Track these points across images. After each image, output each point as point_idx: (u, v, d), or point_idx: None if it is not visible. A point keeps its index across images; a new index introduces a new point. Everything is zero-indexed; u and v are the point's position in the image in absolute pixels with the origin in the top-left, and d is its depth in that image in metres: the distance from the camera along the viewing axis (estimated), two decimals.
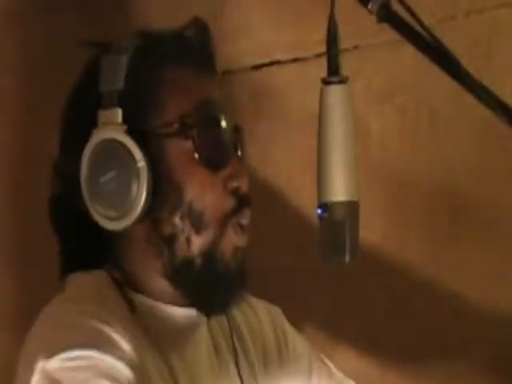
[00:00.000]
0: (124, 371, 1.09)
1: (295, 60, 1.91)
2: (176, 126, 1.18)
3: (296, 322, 1.46)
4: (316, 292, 1.85)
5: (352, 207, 1.10)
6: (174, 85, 1.20)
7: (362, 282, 1.83)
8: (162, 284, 1.20)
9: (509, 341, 1.79)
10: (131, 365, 1.10)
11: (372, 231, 1.81)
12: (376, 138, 1.87)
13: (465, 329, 1.82)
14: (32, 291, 1.73)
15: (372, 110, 1.85)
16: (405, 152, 1.86)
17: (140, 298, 1.20)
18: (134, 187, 1.15)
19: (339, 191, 1.10)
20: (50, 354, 1.08)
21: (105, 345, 1.10)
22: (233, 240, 1.20)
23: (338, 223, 1.10)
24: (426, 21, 1.05)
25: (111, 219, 1.16)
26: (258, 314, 1.38)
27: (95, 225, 1.18)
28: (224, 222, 1.19)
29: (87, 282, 1.21)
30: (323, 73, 1.12)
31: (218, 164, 1.20)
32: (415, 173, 1.86)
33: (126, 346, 1.12)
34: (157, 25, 1.30)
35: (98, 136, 1.17)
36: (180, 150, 1.19)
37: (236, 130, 1.24)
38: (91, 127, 1.17)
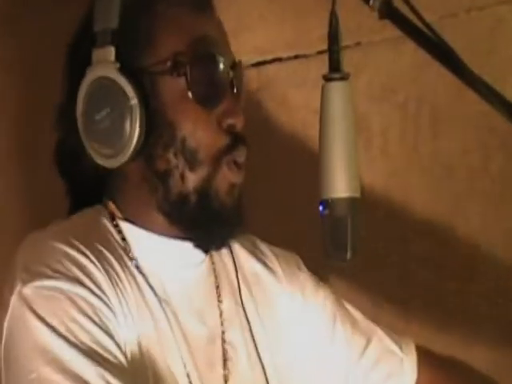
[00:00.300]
0: (95, 303, 1.11)
1: (297, 57, 1.91)
2: (169, 63, 1.19)
3: None
4: None
5: (353, 203, 1.10)
6: (168, 22, 1.20)
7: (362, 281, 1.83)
8: (158, 218, 1.21)
9: None
10: (102, 298, 1.12)
11: (374, 227, 1.81)
12: (377, 135, 1.87)
13: None
14: None
15: (373, 107, 1.86)
16: (406, 148, 1.86)
17: (133, 229, 1.21)
18: (127, 125, 1.16)
19: (340, 187, 1.10)
20: (27, 280, 1.11)
21: (80, 276, 1.12)
22: (227, 177, 1.20)
23: (339, 219, 1.10)
24: (428, 17, 1.05)
25: (107, 157, 1.17)
26: (269, 262, 1.37)
27: (93, 163, 1.19)
28: (218, 158, 1.19)
29: (81, 214, 1.23)
30: (325, 69, 1.12)
31: (211, 101, 1.20)
32: (416, 169, 1.86)
33: (101, 278, 1.13)
34: None
35: (91, 74, 1.18)
36: (173, 87, 1.19)
37: (233, 67, 1.23)
38: (86, 66, 1.18)
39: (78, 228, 1.19)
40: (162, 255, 1.22)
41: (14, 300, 1.11)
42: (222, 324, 1.27)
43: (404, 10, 1.06)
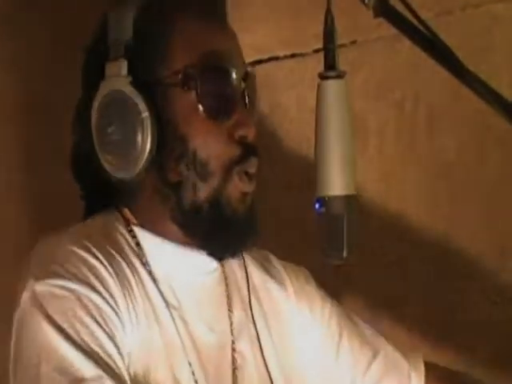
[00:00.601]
0: (104, 309, 1.12)
1: (293, 55, 1.91)
2: (180, 76, 1.19)
3: None
4: None
5: (350, 201, 1.11)
6: (181, 35, 1.21)
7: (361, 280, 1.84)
8: (171, 227, 1.22)
9: None
10: (111, 305, 1.13)
11: (370, 225, 1.82)
12: (373, 133, 1.87)
13: None
14: None
15: (369, 105, 1.86)
16: (402, 146, 1.86)
17: (147, 236, 1.22)
18: (139, 137, 1.17)
19: (337, 185, 1.10)
20: (40, 277, 1.12)
21: (92, 281, 1.13)
22: (239, 186, 1.20)
23: (335, 217, 1.10)
24: (423, 15, 1.06)
25: (119, 168, 1.19)
26: (280, 276, 1.38)
27: (107, 173, 1.21)
28: (229, 169, 1.20)
29: (96, 218, 1.25)
30: (321, 68, 1.12)
31: (221, 115, 1.20)
32: (412, 167, 1.86)
33: (112, 283, 1.14)
34: None
35: (104, 88, 1.19)
36: (184, 100, 1.20)
37: (245, 77, 1.24)
38: (100, 78, 1.20)
39: (93, 232, 1.20)
40: (175, 262, 1.23)
41: (25, 296, 1.13)
42: (231, 333, 1.27)
43: (399, 7, 1.07)
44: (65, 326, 1.09)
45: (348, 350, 1.37)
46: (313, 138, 1.12)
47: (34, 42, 1.82)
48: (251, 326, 1.29)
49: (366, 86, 1.85)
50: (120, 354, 1.12)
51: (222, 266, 1.29)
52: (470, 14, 1.80)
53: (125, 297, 1.15)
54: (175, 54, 1.20)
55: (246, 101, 1.23)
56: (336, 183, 1.10)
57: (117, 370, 1.10)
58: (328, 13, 1.11)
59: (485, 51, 1.78)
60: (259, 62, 1.92)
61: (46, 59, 1.82)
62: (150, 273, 1.21)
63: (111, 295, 1.13)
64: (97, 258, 1.15)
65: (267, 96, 1.92)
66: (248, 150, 1.21)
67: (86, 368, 1.07)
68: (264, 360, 1.28)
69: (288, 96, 1.91)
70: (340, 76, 1.11)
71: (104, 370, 1.08)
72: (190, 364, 1.20)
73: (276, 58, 1.90)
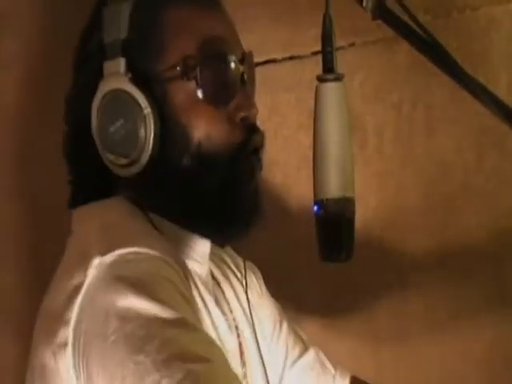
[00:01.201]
0: (179, 281, 1.09)
1: (291, 58, 1.91)
2: (179, 68, 1.20)
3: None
4: (312, 289, 1.85)
5: (348, 203, 1.11)
6: (176, 26, 1.21)
7: (360, 279, 1.83)
8: (178, 216, 1.22)
9: None
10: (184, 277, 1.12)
11: (369, 227, 1.81)
12: (372, 135, 1.87)
13: None
14: None
15: (367, 107, 1.86)
16: (400, 148, 1.86)
17: (164, 222, 1.20)
18: (142, 134, 1.17)
19: (335, 188, 1.10)
20: (106, 251, 1.08)
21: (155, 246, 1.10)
22: (244, 175, 1.21)
23: (334, 220, 1.11)
24: (421, 18, 1.06)
25: (122, 166, 1.19)
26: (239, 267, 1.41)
27: (108, 169, 1.20)
28: (235, 156, 1.20)
29: (114, 205, 1.21)
30: (319, 70, 1.12)
31: (222, 101, 1.21)
32: (411, 168, 1.86)
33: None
34: None
35: (103, 87, 1.19)
36: (184, 91, 1.20)
37: (242, 61, 1.24)
38: (98, 78, 1.20)
39: (132, 230, 1.17)
40: (189, 247, 1.23)
41: (90, 274, 1.07)
42: (234, 319, 1.29)
43: (397, 10, 1.07)
44: (150, 294, 1.02)
45: (285, 338, 1.42)
46: (310, 141, 1.12)
47: (33, 42, 1.82)
48: (246, 307, 1.32)
49: (364, 88, 1.85)
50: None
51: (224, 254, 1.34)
52: (467, 17, 1.80)
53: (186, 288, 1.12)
54: (172, 45, 1.20)
55: (245, 82, 1.23)
56: (334, 185, 1.10)
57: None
58: (326, 15, 1.12)
59: (483, 54, 1.78)
60: (257, 64, 1.92)
61: (46, 60, 1.82)
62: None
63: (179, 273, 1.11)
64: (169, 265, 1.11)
65: (265, 98, 1.91)
66: (250, 131, 1.21)
67: (181, 335, 1.00)
68: (257, 343, 1.31)
69: (285, 98, 1.91)
70: (338, 79, 1.12)
71: (196, 330, 1.04)
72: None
73: (274, 61, 1.90)
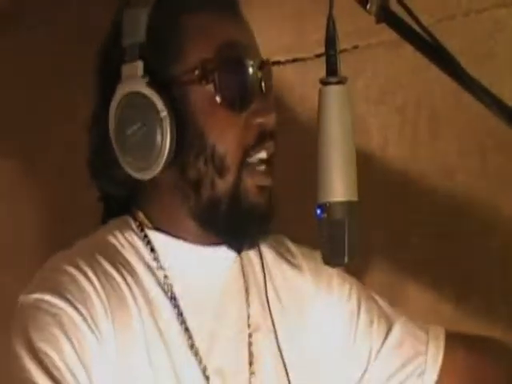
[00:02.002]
0: (82, 329, 1.14)
1: (295, 60, 1.91)
2: (197, 72, 1.20)
3: None
4: None
5: (351, 207, 1.10)
6: (195, 30, 1.21)
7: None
8: (190, 225, 1.23)
9: None
10: (93, 324, 1.15)
11: (373, 230, 1.81)
12: (375, 138, 1.87)
13: None
14: None
15: (371, 110, 1.86)
16: (404, 152, 1.86)
17: (163, 238, 1.23)
18: (159, 137, 1.18)
19: (338, 191, 1.10)
20: (29, 292, 1.16)
21: (76, 296, 1.15)
22: (255, 179, 1.21)
23: (336, 223, 1.10)
24: (425, 20, 1.06)
25: (140, 169, 1.20)
26: (295, 259, 1.39)
27: (125, 173, 1.22)
28: (244, 159, 1.20)
29: (107, 227, 1.27)
30: (322, 73, 1.12)
31: (240, 106, 1.21)
32: (414, 172, 1.86)
33: (97, 301, 1.16)
34: None
35: (121, 90, 1.20)
36: (202, 95, 1.20)
37: (261, 66, 1.24)
38: (117, 81, 1.20)
39: (96, 248, 1.22)
40: (192, 261, 1.24)
41: (17, 305, 1.17)
42: (248, 327, 1.28)
43: (401, 13, 1.06)
44: (40, 345, 1.12)
45: (366, 323, 1.38)
46: (314, 145, 1.12)
47: (33, 42, 1.82)
48: (268, 318, 1.30)
49: (368, 91, 1.85)
50: (88, 375, 1.13)
51: (241, 258, 1.30)
52: (472, 20, 1.80)
53: (113, 316, 1.16)
54: (190, 49, 1.21)
55: (263, 89, 1.23)
56: (337, 189, 1.10)
57: None
58: (330, 18, 1.11)
59: (487, 57, 1.77)
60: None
61: (47, 59, 1.82)
62: (165, 276, 1.22)
63: (92, 315, 1.15)
64: (88, 278, 1.17)
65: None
66: (264, 135, 1.21)
67: None
68: (280, 351, 1.29)
69: (289, 101, 1.91)
70: (341, 82, 1.11)
71: None
72: (201, 358, 1.21)
73: (277, 63, 1.90)
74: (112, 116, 1.21)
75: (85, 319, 1.14)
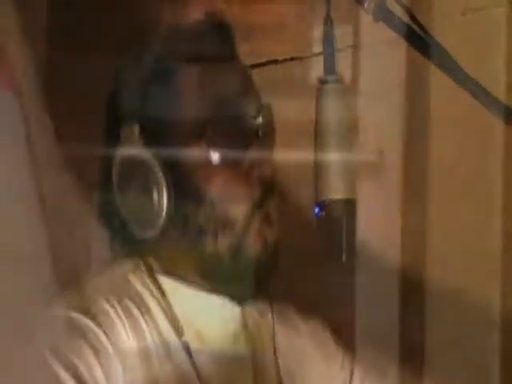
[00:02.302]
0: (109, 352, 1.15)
1: (293, 59, 1.91)
2: (191, 128, 1.20)
3: None
4: (316, 292, 1.85)
5: (349, 205, 1.11)
6: (188, 89, 1.21)
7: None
8: (194, 275, 1.23)
9: None
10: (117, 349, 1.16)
11: (371, 230, 1.82)
12: (373, 137, 1.87)
13: None
14: None
15: (368, 109, 1.86)
16: (401, 149, 1.87)
17: (172, 283, 1.23)
18: (155, 198, 1.19)
19: (336, 189, 1.10)
20: (62, 307, 1.17)
21: (106, 324, 1.16)
22: (260, 234, 1.20)
23: (335, 221, 1.11)
24: (422, 20, 1.06)
25: (143, 229, 1.22)
26: (299, 328, 1.37)
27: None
28: (248, 217, 1.20)
29: (117, 270, 1.26)
30: (320, 72, 1.12)
31: (234, 161, 1.20)
32: (412, 169, 1.86)
33: (123, 332, 1.17)
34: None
35: (119, 153, 1.22)
36: (196, 151, 1.20)
37: (257, 112, 1.23)
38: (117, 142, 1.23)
39: (113, 285, 1.23)
40: (200, 309, 1.24)
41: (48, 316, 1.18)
42: (254, 380, 1.27)
43: (398, 11, 1.07)
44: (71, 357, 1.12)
45: None
46: (312, 144, 1.12)
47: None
48: (274, 370, 1.28)
49: (365, 89, 1.86)
50: None
51: (244, 311, 1.29)
52: (469, 19, 1.80)
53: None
54: (184, 106, 1.21)
55: (260, 136, 1.22)
56: (336, 187, 1.10)
57: None
58: (328, 17, 1.12)
59: (484, 56, 1.78)
60: (258, 65, 1.92)
61: (46, 60, 1.82)
62: (176, 327, 1.22)
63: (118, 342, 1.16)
64: (116, 312, 1.18)
65: (266, 100, 1.91)
66: (265, 190, 1.21)
67: None
68: None
69: (287, 100, 1.91)
70: (339, 80, 1.12)
71: None
72: None
73: (275, 62, 1.90)
74: (114, 179, 1.22)
75: (112, 343, 1.15)
